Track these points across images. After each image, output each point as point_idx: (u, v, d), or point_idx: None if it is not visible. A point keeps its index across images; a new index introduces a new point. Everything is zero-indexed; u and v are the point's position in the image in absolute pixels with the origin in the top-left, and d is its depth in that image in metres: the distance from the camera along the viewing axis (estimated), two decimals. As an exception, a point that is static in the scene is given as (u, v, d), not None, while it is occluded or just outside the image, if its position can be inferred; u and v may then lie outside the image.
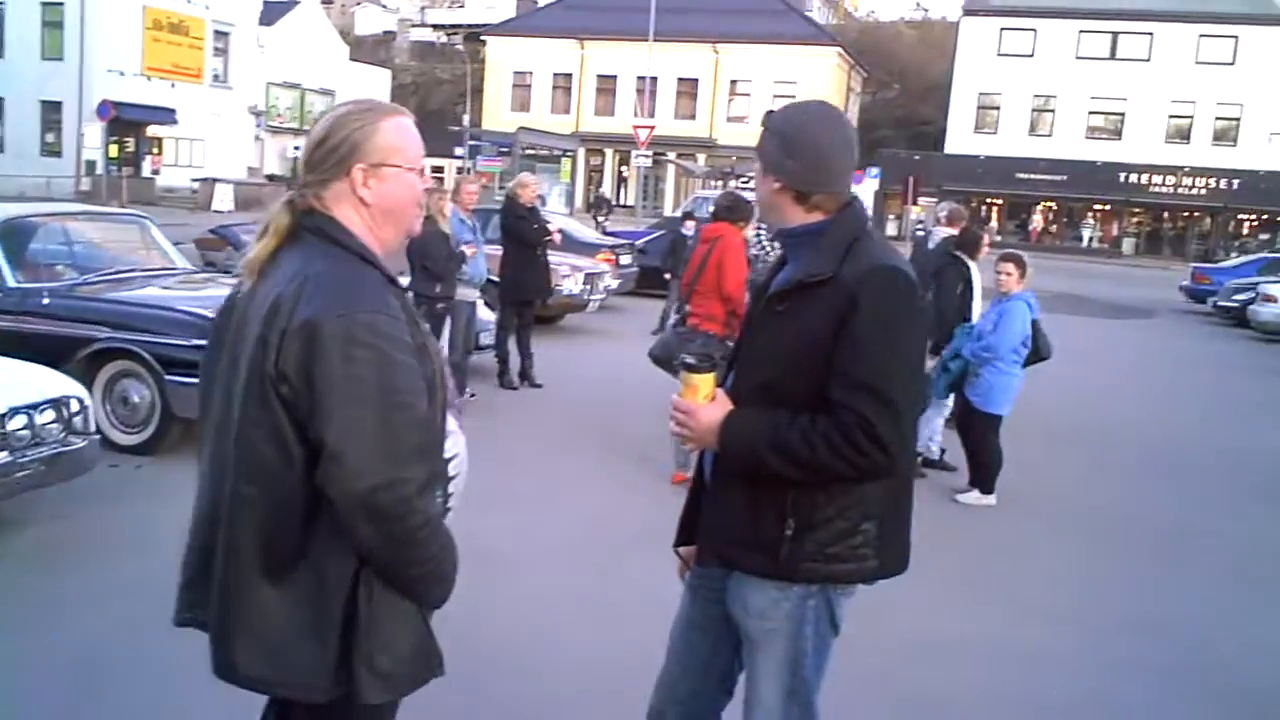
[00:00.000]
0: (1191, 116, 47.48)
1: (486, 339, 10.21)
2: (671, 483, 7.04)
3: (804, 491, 2.40)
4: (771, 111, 2.58)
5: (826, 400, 2.34)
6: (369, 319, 1.99)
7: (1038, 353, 7.43)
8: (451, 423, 2.31)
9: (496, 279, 10.22)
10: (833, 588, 2.50)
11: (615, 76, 53.04)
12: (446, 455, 2.26)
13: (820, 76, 50.11)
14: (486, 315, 10.26)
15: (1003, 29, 48.69)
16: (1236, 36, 46.48)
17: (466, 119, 49.22)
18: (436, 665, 2.20)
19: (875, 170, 45.13)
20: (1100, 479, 8.57)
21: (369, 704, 2.09)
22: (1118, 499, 7.99)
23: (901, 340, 2.37)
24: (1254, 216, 47.59)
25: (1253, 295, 21.05)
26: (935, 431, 8.15)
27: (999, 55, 48.80)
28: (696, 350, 3.57)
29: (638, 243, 18.42)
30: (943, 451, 8.21)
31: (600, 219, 29.52)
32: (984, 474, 7.48)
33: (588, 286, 13.88)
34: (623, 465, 7.60)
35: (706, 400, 2.49)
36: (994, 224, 47.62)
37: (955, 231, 9.58)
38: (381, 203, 2.17)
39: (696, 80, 52.25)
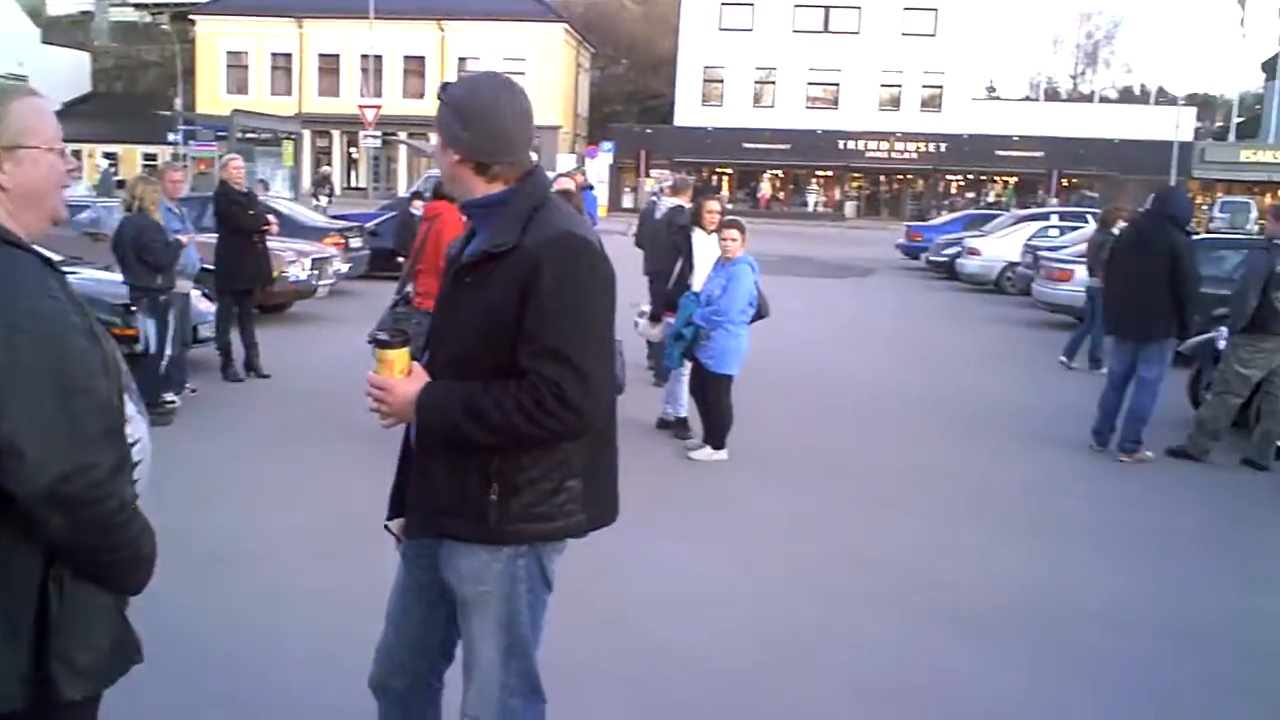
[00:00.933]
0: (900, 85, 50.53)
1: (206, 331, 9.67)
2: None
3: (506, 455, 2.42)
4: (446, 84, 2.58)
5: (517, 367, 2.37)
6: (30, 305, 1.87)
7: (759, 312, 7.68)
8: (130, 407, 2.18)
9: (212, 267, 9.71)
10: (542, 545, 2.53)
11: (338, 55, 51.25)
12: (128, 440, 2.12)
13: (548, 53, 50.16)
14: (205, 306, 9.72)
15: (723, 4, 50.24)
16: (936, 10, 49.73)
17: (179, 103, 46.50)
18: (135, 653, 2.14)
19: (608, 145, 45.72)
20: (827, 427, 8.98)
21: (71, 701, 1.98)
22: (844, 445, 8.39)
23: (586, 305, 2.41)
24: (960, 177, 51.20)
25: (959, 250, 22.60)
26: (681, 395, 8.26)
27: (721, 30, 50.32)
28: (389, 325, 3.52)
29: (368, 225, 17.92)
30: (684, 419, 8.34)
31: (320, 201, 28.41)
32: (716, 431, 7.68)
33: (315, 272, 13.36)
34: (355, 452, 7.36)
35: (402, 375, 2.49)
36: (725, 193, 49.17)
37: (681, 201, 9.79)
38: (20, 187, 2.03)
39: (423, 58, 51.18)
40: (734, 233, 7.59)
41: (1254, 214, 35.87)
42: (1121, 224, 10.90)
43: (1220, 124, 58.60)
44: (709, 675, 4.34)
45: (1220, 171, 47.63)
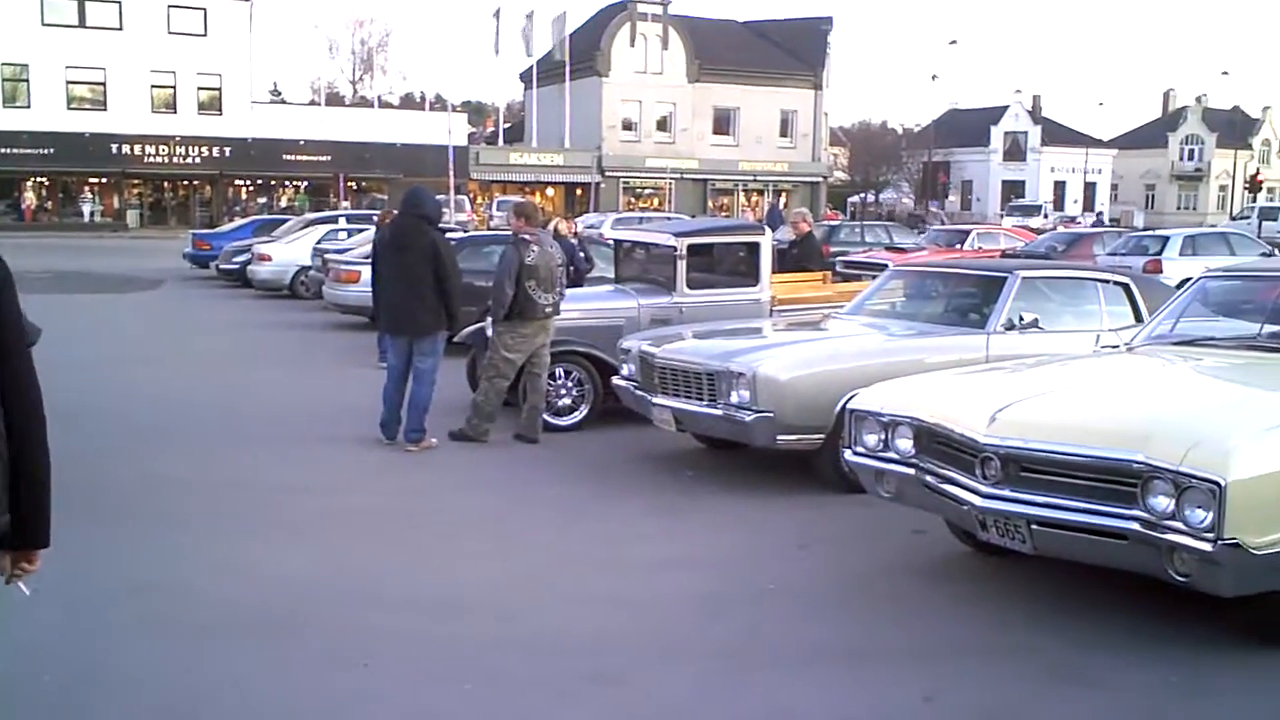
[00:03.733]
0: (174, 86, 48.26)
1: None
2: None
3: None
4: None
5: None
6: None
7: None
8: None
9: None
10: None
11: None
12: None
13: None
14: None
15: (-46, -8, 44.22)
16: (205, 9, 48.20)
17: None
18: None
19: None
20: (105, 453, 8.14)
21: None
22: (123, 469, 7.71)
23: None
24: (249, 182, 50.36)
25: (250, 256, 22.10)
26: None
27: (-45, 20, 44.30)
28: None
29: None
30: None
31: None
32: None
33: None
34: None
35: None
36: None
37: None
38: None
39: None
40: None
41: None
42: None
43: (492, 129, 64.01)
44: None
45: (495, 173, 52.19)
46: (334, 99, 64.27)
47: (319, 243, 20.41)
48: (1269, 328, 6.31)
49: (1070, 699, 4.26)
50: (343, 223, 23.23)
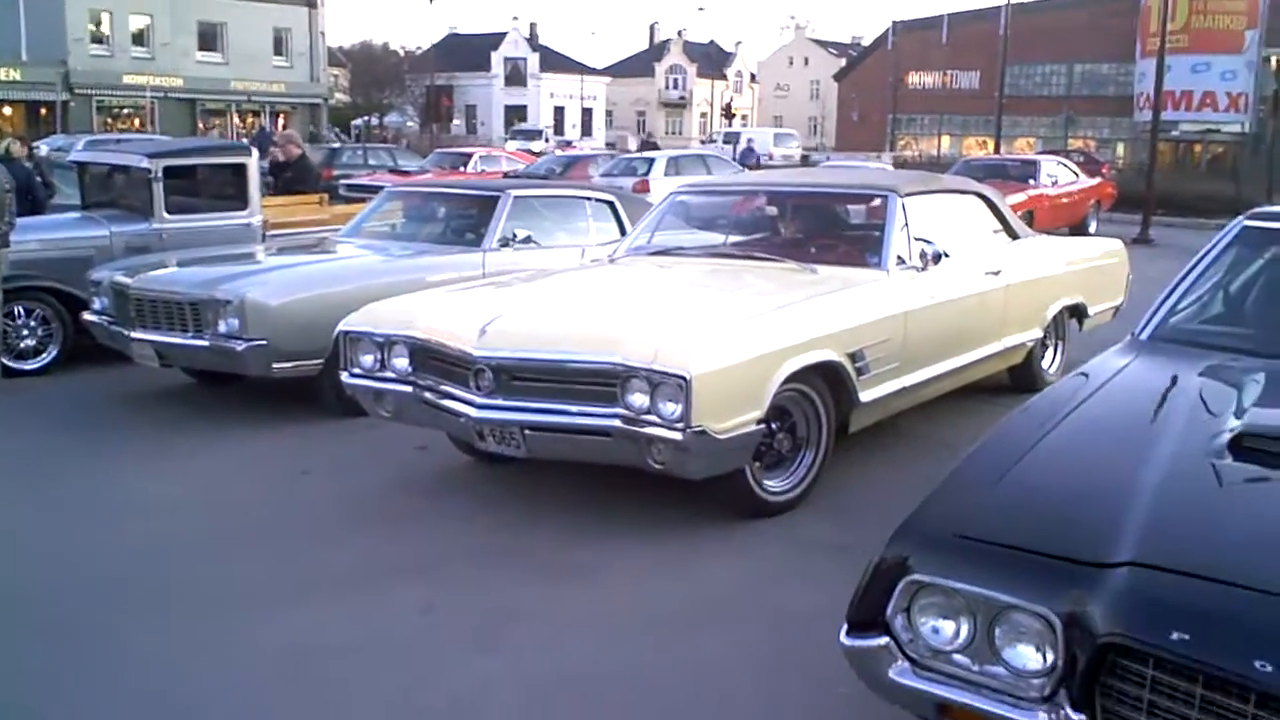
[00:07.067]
0: None
1: None
2: None
3: None
4: None
5: None
6: None
7: None
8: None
9: None
10: None
11: None
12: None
13: None
14: None
15: None
16: None
17: None
18: None
19: None
20: None
21: None
22: None
23: None
24: None
25: None
26: None
27: None
28: None
29: None
30: None
31: None
32: None
33: None
34: None
35: None
36: None
37: None
38: None
39: None
40: None
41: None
42: None
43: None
44: None
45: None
46: None
47: None
48: (733, 237, 6.99)
49: (565, 592, 4.46)
50: None
